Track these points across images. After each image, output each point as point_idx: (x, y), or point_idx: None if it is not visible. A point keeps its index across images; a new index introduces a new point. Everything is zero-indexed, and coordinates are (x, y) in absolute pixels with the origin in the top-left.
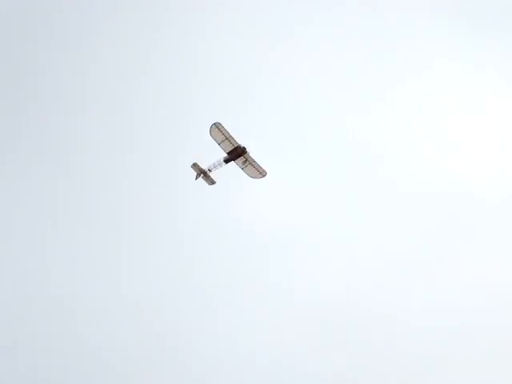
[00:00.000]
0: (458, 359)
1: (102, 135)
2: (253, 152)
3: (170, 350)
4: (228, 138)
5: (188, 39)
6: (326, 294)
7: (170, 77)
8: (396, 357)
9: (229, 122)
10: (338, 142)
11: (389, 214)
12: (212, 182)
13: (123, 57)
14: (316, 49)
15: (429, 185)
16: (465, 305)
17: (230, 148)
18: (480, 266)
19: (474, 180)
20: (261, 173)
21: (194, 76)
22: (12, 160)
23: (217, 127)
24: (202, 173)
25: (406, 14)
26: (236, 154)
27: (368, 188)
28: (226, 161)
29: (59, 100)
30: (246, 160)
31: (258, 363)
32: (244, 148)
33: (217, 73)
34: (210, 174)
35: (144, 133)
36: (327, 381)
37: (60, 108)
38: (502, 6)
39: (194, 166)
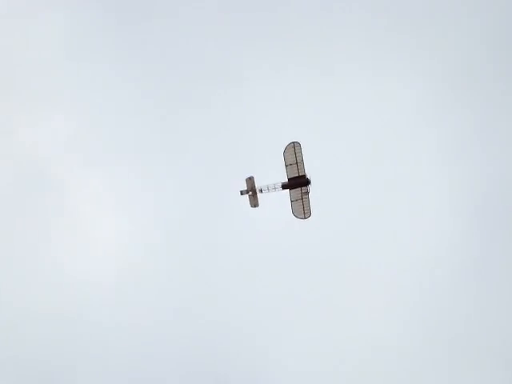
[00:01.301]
0: None
1: None
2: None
3: None
4: (299, 162)
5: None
6: None
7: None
8: None
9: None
10: None
11: None
12: (255, 205)
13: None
14: None
15: None
16: None
17: (295, 174)
18: None
19: None
20: (305, 213)
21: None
22: None
23: (294, 147)
24: (252, 191)
25: None
26: (299, 182)
27: None
28: (284, 186)
29: None
30: (306, 193)
31: None
32: (309, 179)
33: None
34: (259, 196)
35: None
36: None
37: None
38: None
39: (249, 180)
